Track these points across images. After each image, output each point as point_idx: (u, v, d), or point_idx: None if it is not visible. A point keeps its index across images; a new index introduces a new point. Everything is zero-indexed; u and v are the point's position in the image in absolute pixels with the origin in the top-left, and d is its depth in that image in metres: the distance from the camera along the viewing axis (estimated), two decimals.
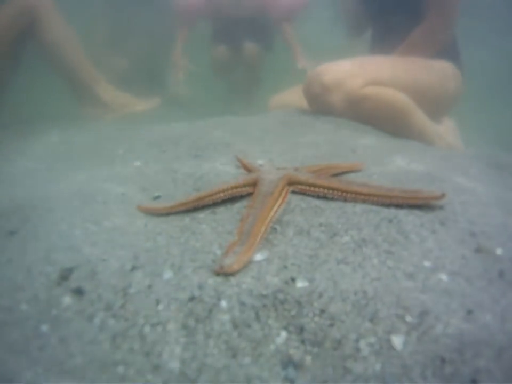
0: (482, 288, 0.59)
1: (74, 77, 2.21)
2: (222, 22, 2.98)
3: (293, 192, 0.79)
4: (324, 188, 0.76)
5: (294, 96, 1.98)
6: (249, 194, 0.78)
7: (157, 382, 0.46)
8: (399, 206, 0.76)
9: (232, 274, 0.58)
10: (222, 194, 0.76)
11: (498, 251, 0.67)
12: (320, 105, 1.56)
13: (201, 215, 0.78)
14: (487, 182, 0.97)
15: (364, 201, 0.76)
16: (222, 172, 1.00)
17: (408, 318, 0.52)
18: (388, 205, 0.76)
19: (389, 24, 1.78)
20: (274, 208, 0.69)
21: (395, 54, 1.68)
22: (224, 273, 0.58)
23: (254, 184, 0.77)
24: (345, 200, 0.76)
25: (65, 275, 0.63)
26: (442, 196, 0.73)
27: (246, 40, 2.87)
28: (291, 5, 2.66)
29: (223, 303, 0.54)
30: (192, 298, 0.55)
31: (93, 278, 0.61)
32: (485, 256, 0.66)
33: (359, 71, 1.51)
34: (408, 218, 0.73)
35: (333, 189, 0.75)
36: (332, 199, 0.77)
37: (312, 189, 0.76)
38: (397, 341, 0.50)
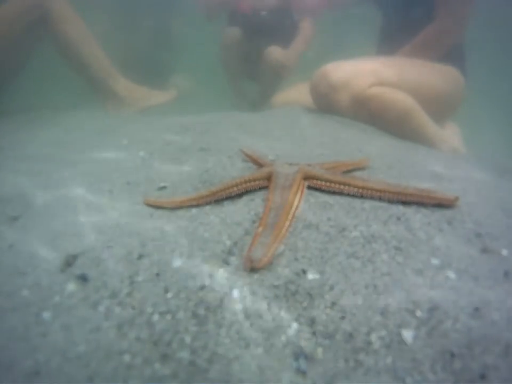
0: (488, 287, 0.59)
1: (89, 71, 2.17)
2: (244, 16, 2.66)
3: (308, 187, 0.78)
4: (340, 183, 0.76)
5: (298, 94, 1.98)
6: (262, 188, 0.77)
7: (166, 371, 0.45)
8: (406, 204, 0.76)
9: (262, 268, 0.56)
10: (235, 189, 0.75)
11: (504, 252, 0.67)
12: (326, 104, 1.57)
13: (207, 206, 0.77)
14: (491, 185, 0.98)
15: (380, 198, 0.76)
16: (228, 165, 0.99)
17: (418, 313, 0.52)
18: (399, 202, 0.76)
19: (399, 22, 1.79)
20: (295, 202, 0.69)
21: (402, 52, 1.68)
22: (254, 267, 0.56)
23: (268, 178, 0.76)
24: (361, 196, 0.76)
25: (69, 261, 0.61)
26: (456, 199, 0.74)
27: (267, 37, 2.50)
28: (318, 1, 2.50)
29: (235, 293, 0.53)
30: (202, 287, 0.54)
31: (98, 265, 0.60)
32: (490, 256, 0.66)
33: (366, 71, 1.52)
34: (416, 216, 0.73)
35: (349, 185, 0.75)
36: (348, 195, 0.77)
37: (328, 184, 0.76)
38: (407, 335, 0.50)
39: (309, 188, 0.79)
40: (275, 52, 2.47)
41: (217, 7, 2.83)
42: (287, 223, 0.64)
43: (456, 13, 1.57)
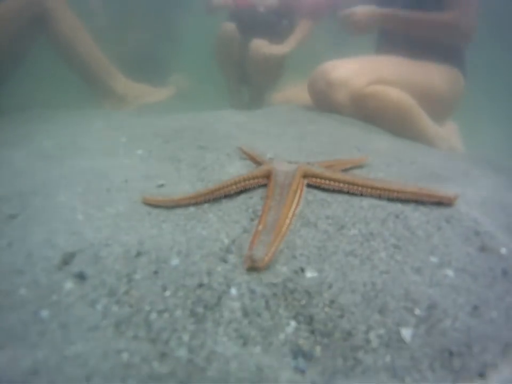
0: (487, 286, 0.59)
1: (87, 70, 2.16)
2: (243, 13, 2.61)
3: (308, 185, 0.78)
4: (340, 181, 0.75)
5: (297, 92, 1.98)
6: (260, 187, 0.77)
7: (163, 370, 0.45)
8: (405, 202, 0.76)
9: (263, 268, 0.56)
10: (234, 187, 0.75)
11: (502, 250, 0.67)
12: (325, 102, 1.57)
13: (205, 204, 0.77)
14: (489, 184, 0.98)
15: (379, 196, 0.76)
16: (227, 163, 0.99)
17: (417, 311, 0.52)
18: (398, 200, 0.76)
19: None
20: (295, 200, 0.69)
21: (402, 13, 1.57)
22: (255, 268, 0.56)
23: (267, 176, 0.76)
24: (361, 194, 0.76)
25: (67, 259, 0.61)
26: (455, 197, 0.74)
27: (263, 35, 2.42)
28: (320, 2, 2.46)
29: (233, 291, 0.53)
30: (200, 285, 0.54)
31: (96, 263, 0.60)
32: (489, 254, 0.66)
33: (364, 69, 1.52)
34: (414, 214, 0.73)
35: (349, 183, 0.75)
36: (347, 193, 0.77)
37: (327, 182, 0.76)
38: (406, 333, 0.50)
39: (308, 186, 0.79)
40: (260, 46, 2.42)
41: (220, 4, 2.81)
42: (287, 221, 0.64)
43: (469, 18, 1.52)
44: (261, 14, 2.59)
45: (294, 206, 0.68)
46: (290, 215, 0.66)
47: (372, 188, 0.75)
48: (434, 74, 1.63)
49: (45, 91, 2.41)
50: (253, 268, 0.56)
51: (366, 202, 0.75)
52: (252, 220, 0.70)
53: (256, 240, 0.59)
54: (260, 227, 0.61)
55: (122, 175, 0.94)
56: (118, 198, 0.81)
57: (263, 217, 0.64)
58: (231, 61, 2.73)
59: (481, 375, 0.46)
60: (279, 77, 2.62)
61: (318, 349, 0.47)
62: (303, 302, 0.52)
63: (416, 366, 0.46)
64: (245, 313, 0.50)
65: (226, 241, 0.64)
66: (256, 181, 0.76)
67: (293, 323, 0.50)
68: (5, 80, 2.07)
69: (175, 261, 0.59)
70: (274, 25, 2.59)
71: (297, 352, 0.47)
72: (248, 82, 2.79)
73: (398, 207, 0.75)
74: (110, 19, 3.21)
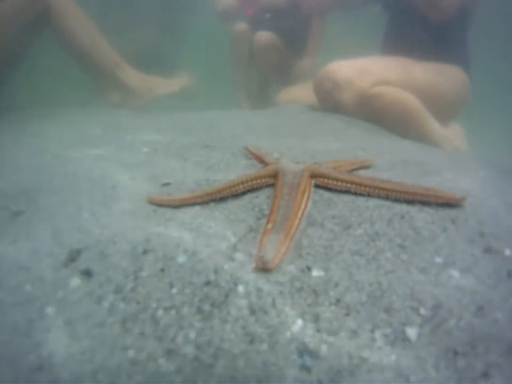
0: (491, 287, 0.59)
1: (95, 64, 2.11)
2: (253, 20, 2.72)
3: (315, 185, 0.78)
4: (347, 182, 0.76)
5: (302, 92, 1.98)
6: (267, 186, 0.78)
7: (170, 367, 0.45)
8: (410, 202, 0.76)
9: (273, 269, 0.56)
10: (241, 186, 0.75)
11: (507, 252, 0.67)
12: (330, 102, 1.57)
13: (211, 202, 0.77)
14: (495, 186, 0.98)
15: (387, 197, 0.76)
16: (232, 162, 0.99)
17: (422, 311, 0.52)
18: (403, 201, 0.76)
19: (405, 23, 1.77)
20: (304, 200, 0.69)
21: None
22: (266, 269, 0.56)
23: (274, 175, 0.76)
24: (368, 194, 0.76)
25: (73, 256, 0.61)
26: (463, 199, 0.74)
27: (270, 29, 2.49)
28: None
29: (240, 288, 0.53)
30: (208, 283, 0.54)
31: (102, 260, 0.60)
32: (494, 256, 0.66)
33: (370, 70, 1.52)
34: (420, 215, 0.73)
35: (357, 184, 0.75)
36: (355, 193, 0.77)
37: (335, 182, 0.76)
38: (411, 332, 0.50)
39: (316, 186, 0.79)
40: (262, 36, 2.46)
41: (232, 14, 2.89)
42: (297, 221, 0.64)
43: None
44: (270, 19, 2.64)
45: (303, 206, 0.68)
46: (299, 215, 0.66)
47: (379, 188, 0.75)
48: (439, 75, 1.63)
49: (48, 89, 2.40)
50: (263, 269, 0.56)
51: (371, 202, 0.76)
52: (259, 218, 0.71)
53: (265, 239, 0.59)
54: (269, 226, 0.61)
55: (128, 173, 0.94)
56: (123, 196, 0.81)
57: (272, 216, 0.64)
58: (244, 61, 2.81)
59: (485, 375, 0.46)
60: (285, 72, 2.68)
61: (324, 347, 0.47)
62: (310, 300, 0.52)
63: (421, 365, 0.46)
64: (252, 311, 0.50)
65: (232, 239, 0.64)
66: (263, 180, 0.77)
67: (299, 321, 0.50)
68: (5, 79, 2.06)
69: (181, 259, 0.59)
70: (285, 27, 2.64)
71: (303, 350, 0.47)
72: (255, 79, 2.84)
73: (404, 207, 0.75)
74: (118, 14, 3.20)
